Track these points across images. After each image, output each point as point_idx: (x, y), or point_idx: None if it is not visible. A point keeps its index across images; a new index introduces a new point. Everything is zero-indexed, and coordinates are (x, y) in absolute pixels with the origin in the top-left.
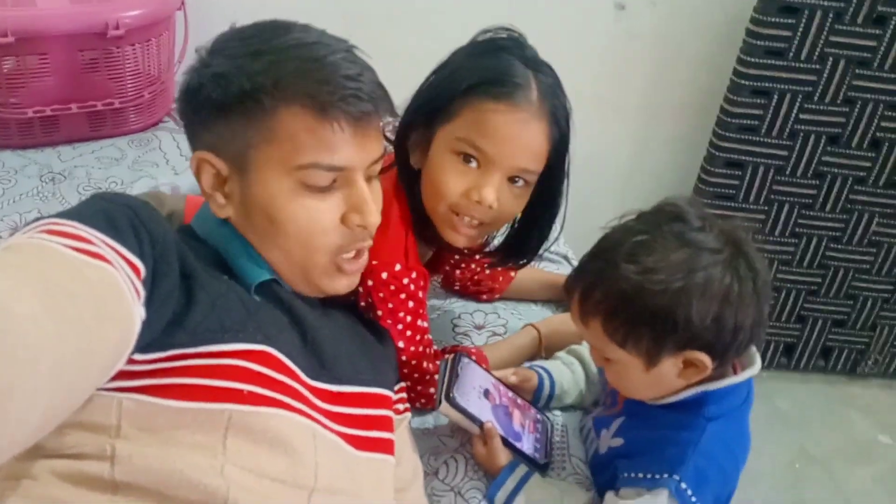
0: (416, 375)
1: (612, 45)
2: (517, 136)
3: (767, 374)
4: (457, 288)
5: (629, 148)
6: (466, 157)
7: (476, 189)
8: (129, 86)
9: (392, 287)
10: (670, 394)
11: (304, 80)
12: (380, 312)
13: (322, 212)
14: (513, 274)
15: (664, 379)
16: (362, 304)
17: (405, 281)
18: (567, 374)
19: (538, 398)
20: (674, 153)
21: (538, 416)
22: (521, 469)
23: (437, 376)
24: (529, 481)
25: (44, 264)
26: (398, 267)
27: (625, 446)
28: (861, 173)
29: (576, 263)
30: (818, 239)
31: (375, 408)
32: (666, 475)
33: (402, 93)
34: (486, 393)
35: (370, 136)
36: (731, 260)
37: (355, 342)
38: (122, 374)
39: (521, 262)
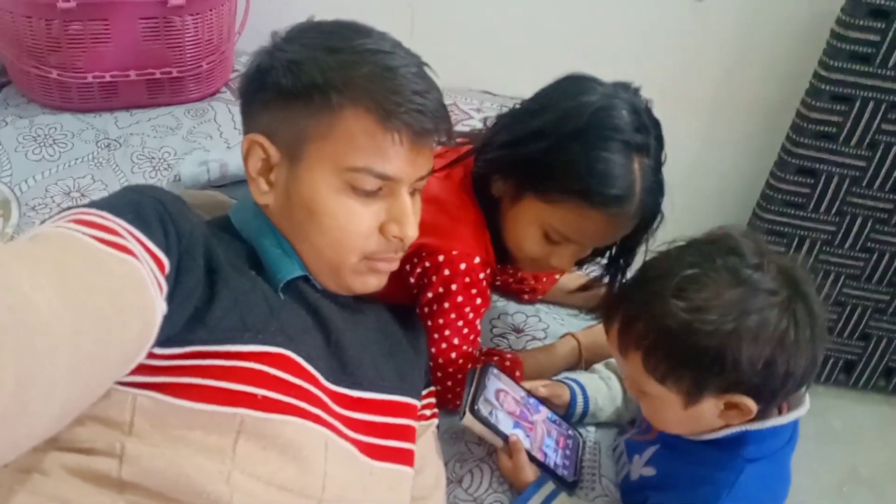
0: (459, 376)
1: (687, 38)
2: (606, 234)
3: (824, 390)
4: (498, 283)
5: (696, 145)
6: (551, 237)
7: (557, 259)
8: (188, 55)
9: (467, 279)
10: (708, 431)
11: (374, 85)
12: (446, 304)
13: (362, 216)
14: (557, 276)
15: (702, 418)
16: (429, 294)
17: (481, 276)
18: (603, 389)
19: (571, 414)
20: (743, 154)
21: (569, 432)
22: (548, 486)
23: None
24: (556, 500)
25: (67, 255)
26: (477, 259)
27: (657, 477)
28: None
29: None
30: (890, 255)
31: (396, 416)
32: None
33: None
34: (514, 406)
35: (423, 154)
36: (789, 303)
37: (383, 347)
38: (140, 369)
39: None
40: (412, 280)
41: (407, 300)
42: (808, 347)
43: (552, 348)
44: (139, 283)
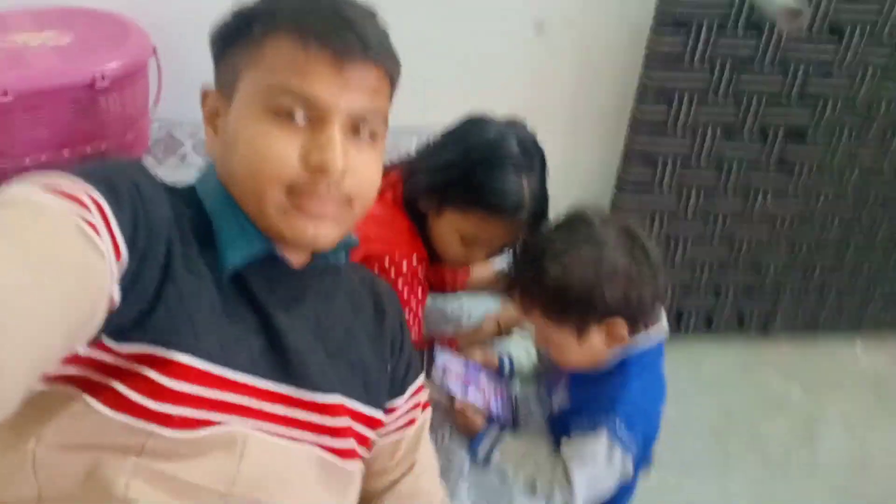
0: None
1: (534, 64)
2: (507, 236)
3: (690, 341)
4: None
5: (559, 154)
6: (467, 240)
7: (473, 257)
8: (114, 130)
9: (410, 276)
10: (601, 363)
11: (298, 12)
12: None
13: (281, 140)
14: (468, 272)
15: (594, 348)
16: None
17: (420, 271)
18: (522, 350)
19: (502, 373)
20: (597, 154)
21: (503, 386)
22: (495, 429)
23: None
24: (504, 438)
25: (34, 233)
26: (415, 256)
27: (572, 403)
28: (754, 159)
29: None
30: (722, 218)
31: (336, 415)
32: (603, 416)
33: None
34: (461, 371)
35: (356, 80)
36: (630, 249)
37: (331, 347)
38: (91, 363)
39: None
40: None
41: None
42: (650, 278)
43: (478, 328)
44: (100, 263)
